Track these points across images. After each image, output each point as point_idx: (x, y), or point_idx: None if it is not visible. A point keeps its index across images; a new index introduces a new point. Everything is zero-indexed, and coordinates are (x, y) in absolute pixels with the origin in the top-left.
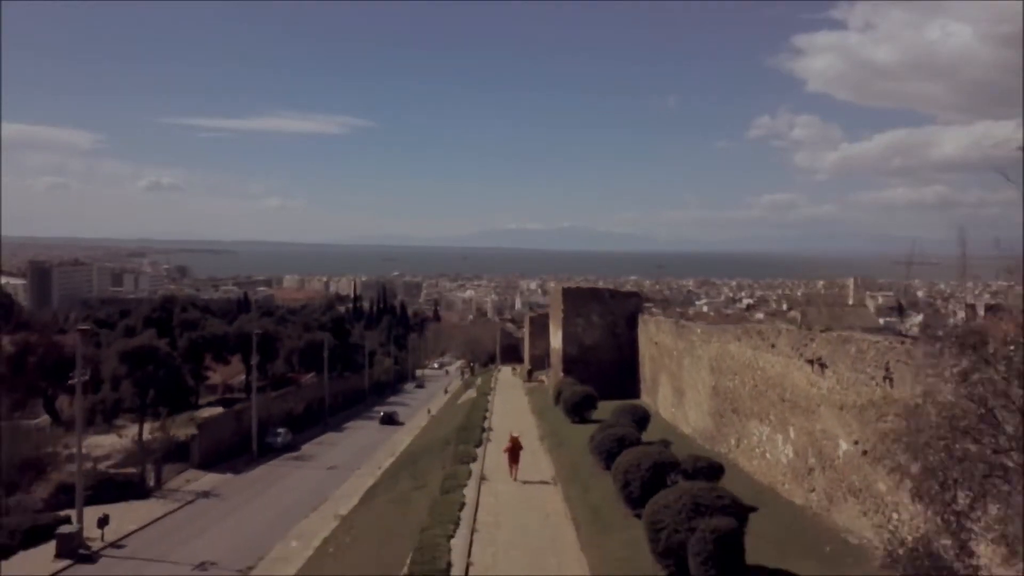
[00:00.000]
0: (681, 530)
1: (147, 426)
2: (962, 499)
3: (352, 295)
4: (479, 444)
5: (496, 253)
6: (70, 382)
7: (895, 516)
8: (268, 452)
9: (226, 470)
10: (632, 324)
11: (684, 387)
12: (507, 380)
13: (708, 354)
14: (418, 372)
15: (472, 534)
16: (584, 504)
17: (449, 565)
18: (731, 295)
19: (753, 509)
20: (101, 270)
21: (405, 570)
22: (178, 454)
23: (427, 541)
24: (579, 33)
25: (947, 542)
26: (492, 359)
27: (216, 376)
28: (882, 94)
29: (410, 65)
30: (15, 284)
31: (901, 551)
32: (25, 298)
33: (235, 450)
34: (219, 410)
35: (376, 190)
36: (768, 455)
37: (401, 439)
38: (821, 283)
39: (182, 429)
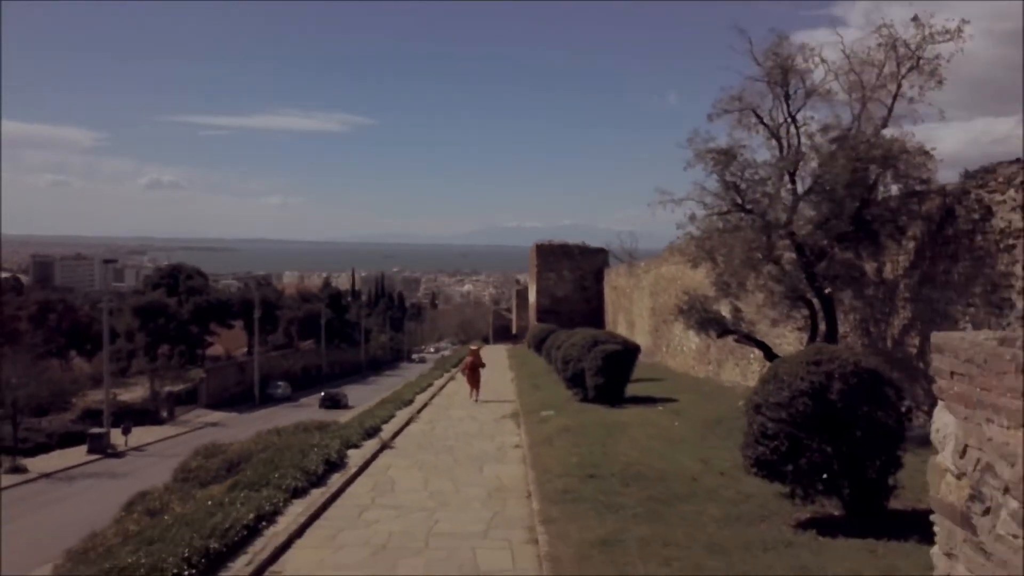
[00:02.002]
0: (584, 358)
1: (156, 381)
2: (728, 276)
3: (351, 286)
4: (455, 366)
5: (496, 251)
6: (99, 305)
7: None
8: (269, 401)
9: (231, 411)
10: (599, 278)
11: (634, 318)
12: (494, 347)
13: (648, 282)
14: (414, 356)
15: (434, 396)
16: (531, 385)
17: (413, 400)
18: None
19: (661, 379)
20: (103, 265)
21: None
22: (187, 399)
23: (399, 392)
24: (579, 31)
25: (725, 303)
26: (486, 340)
27: (218, 347)
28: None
29: (411, 63)
30: (18, 277)
31: (692, 310)
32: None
33: (238, 398)
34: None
35: (376, 188)
36: (684, 348)
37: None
38: None
39: (190, 380)
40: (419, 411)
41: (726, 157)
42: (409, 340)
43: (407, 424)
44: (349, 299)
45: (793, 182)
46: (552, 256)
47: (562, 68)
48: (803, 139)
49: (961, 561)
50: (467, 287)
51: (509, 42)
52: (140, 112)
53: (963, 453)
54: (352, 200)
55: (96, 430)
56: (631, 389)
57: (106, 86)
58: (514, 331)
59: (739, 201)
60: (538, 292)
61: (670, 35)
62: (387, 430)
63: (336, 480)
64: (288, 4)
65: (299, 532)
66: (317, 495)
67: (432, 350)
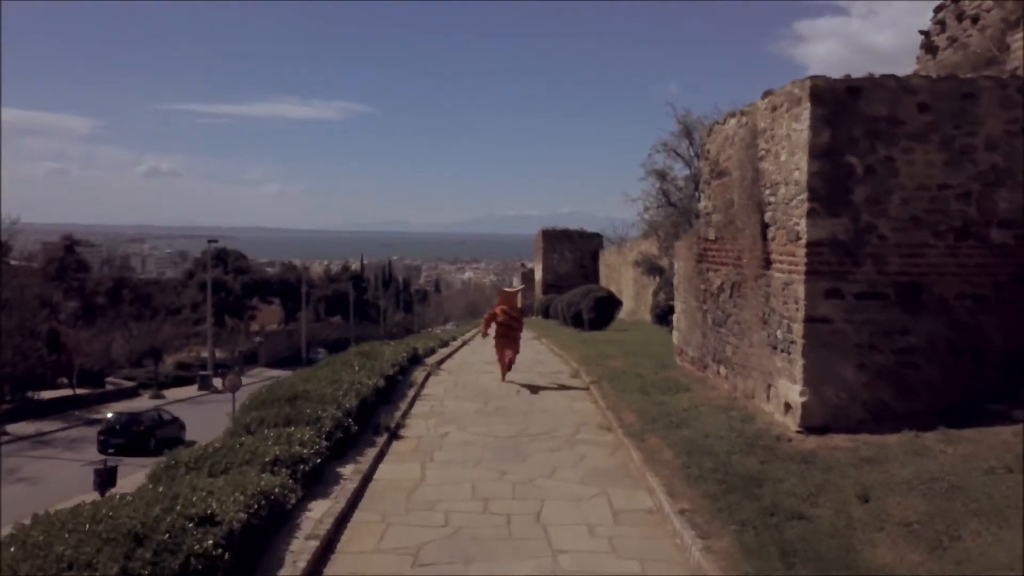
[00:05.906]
0: (582, 302)
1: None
2: (665, 242)
3: (360, 270)
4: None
5: (494, 239)
6: (197, 279)
7: None
8: (312, 363)
9: (285, 369)
10: (595, 257)
11: (622, 288)
12: None
13: (632, 258)
14: (429, 334)
15: (464, 344)
16: (544, 329)
17: (450, 343)
18: None
19: (636, 325)
20: (111, 251)
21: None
22: (249, 359)
23: (437, 340)
24: (581, 20)
25: (665, 259)
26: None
27: (255, 324)
28: None
29: (409, 50)
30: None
31: (644, 262)
32: None
33: (287, 360)
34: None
35: (374, 176)
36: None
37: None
38: None
39: (252, 343)
40: (470, 339)
41: (661, 175)
42: (417, 322)
43: (467, 341)
44: (365, 282)
45: (699, 190)
46: (556, 239)
47: (563, 56)
48: (703, 166)
49: (678, 302)
50: (468, 274)
51: (508, 31)
52: (139, 100)
53: (676, 275)
54: (349, 188)
55: (204, 373)
56: (614, 328)
57: (104, 74)
58: (519, 305)
59: (669, 200)
60: (544, 270)
61: (673, 24)
62: (460, 340)
63: (457, 346)
64: None
65: (450, 355)
66: (453, 346)
67: (439, 331)
